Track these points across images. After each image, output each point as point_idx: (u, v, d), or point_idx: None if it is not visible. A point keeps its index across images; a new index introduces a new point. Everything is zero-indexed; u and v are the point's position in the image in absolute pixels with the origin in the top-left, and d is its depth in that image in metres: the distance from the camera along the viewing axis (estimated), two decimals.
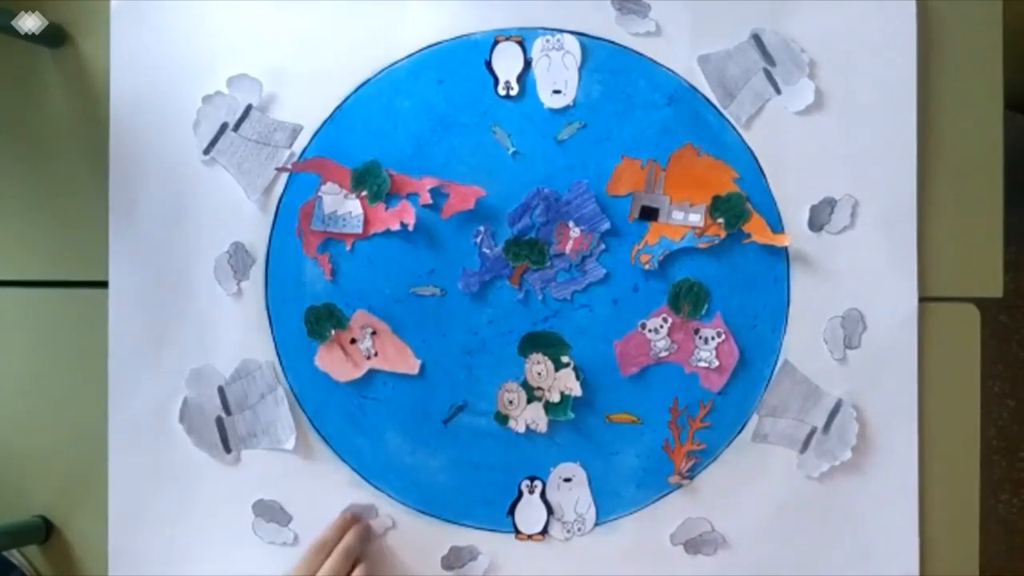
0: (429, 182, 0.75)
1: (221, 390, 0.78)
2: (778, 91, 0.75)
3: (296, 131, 0.77)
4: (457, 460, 0.77)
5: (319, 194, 0.76)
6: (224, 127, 0.77)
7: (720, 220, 0.75)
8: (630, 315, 0.76)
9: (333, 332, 0.77)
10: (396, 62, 0.77)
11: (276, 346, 0.78)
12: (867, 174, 0.75)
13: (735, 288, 0.76)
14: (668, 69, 0.76)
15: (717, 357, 0.75)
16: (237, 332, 0.78)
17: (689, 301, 0.75)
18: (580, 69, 0.76)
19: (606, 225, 0.75)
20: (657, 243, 0.75)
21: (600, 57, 0.76)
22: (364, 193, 0.76)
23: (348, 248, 0.77)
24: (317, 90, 0.77)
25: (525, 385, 0.76)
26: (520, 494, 0.77)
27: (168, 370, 0.78)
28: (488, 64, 0.76)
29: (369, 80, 0.77)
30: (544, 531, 0.77)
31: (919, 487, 0.76)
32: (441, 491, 0.78)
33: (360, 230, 0.76)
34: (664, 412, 0.76)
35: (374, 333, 0.77)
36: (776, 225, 0.75)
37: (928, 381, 0.76)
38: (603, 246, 0.76)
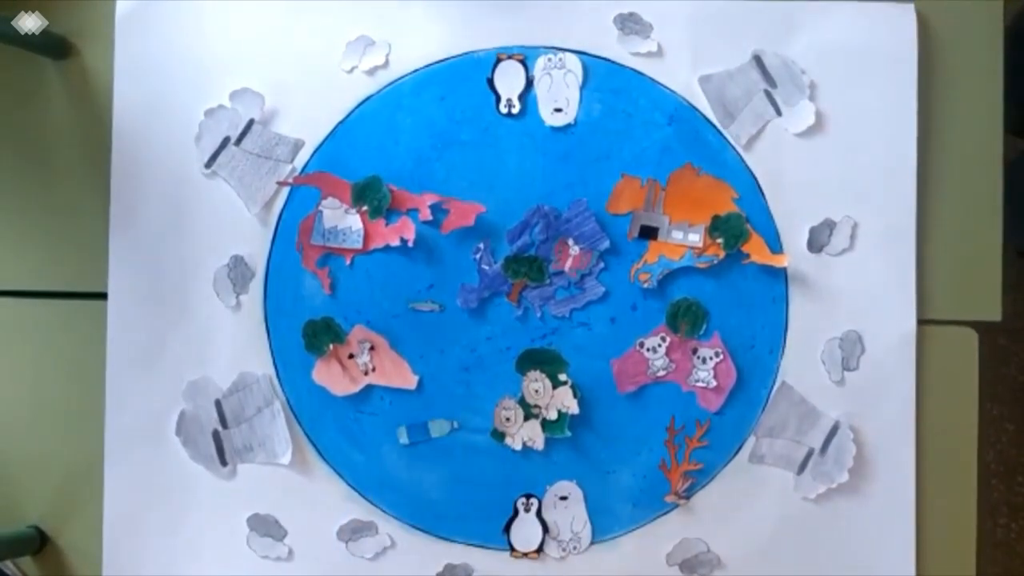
0: (429, 198, 0.75)
1: (218, 403, 0.77)
2: (779, 112, 0.76)
3: (298, 146, 0.77)
4: (453, 476, 0.77)
5: (319, 209, 0.76)
6: (226, 141, 0.77)
7: (719, 240, 0.75)
8: (628, 333, 0.76)
9: (331, 346, 0.76)
10: (398, 78, 0.77)
11: (274, 359, 0.77)
12: (867, 196, 0.75)
13: (733, 308, 0.76)
14: (669, 89, 0.76)
15: (715, 377, 0.75)
16: (235, 345, 0.78)
17: (687, 320, 0.75)
18: (581, 88, 0.76)
19: (605, 243, 0.75)
20: (656, 262, 0.75)
21: (601, 76, 0.76)
22: (364, 208, 0.76)
23: (347, 263, 0.77)
24: (319, 105, 0.77)
25: (522, 402, 0.76)
26: (516, 512, 0.77)
27: (165, 382, 0.78)
28: (490, 82, 0.76)
29: (371, 96, 0.77)
30: (540, 549, 0.77)
31: (916, 510, 0.76)
32: (436, 507, 0.77)
33: (360, 245, 0.76)
34: (661, 431, 0.76)
35: (372, 348, 0.77)
36: (775, 246, 0.75)
37: (926, 404, 0.76)
38: (602, 264, 0.76)
